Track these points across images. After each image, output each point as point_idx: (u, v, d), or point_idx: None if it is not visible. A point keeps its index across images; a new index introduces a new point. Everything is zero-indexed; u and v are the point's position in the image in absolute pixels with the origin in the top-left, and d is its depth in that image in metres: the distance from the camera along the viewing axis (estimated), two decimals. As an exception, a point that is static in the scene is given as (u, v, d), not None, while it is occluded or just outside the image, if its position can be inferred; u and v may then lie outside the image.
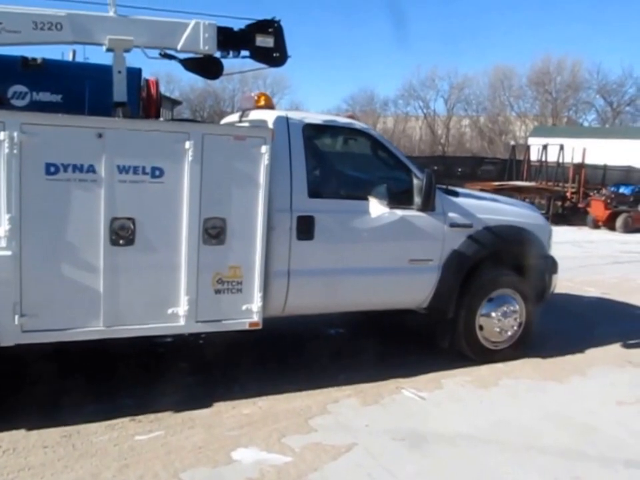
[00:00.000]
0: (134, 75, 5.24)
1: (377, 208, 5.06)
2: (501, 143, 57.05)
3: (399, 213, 5.13)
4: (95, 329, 4.19)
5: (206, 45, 4.48)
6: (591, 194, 23.76)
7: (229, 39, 4.59)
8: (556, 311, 7.17)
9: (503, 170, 27.10)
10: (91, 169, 4.03)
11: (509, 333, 5.67)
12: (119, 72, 4.41)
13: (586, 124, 59.92)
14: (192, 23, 4.44)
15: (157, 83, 5.89)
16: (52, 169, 3.95)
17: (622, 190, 27.25)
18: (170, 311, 4.36)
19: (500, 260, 5.59)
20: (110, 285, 4.16)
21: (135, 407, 4.36)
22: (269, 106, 5.27)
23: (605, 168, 29.71)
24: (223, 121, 6.17)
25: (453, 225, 5.35)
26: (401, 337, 6.35)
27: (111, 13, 4.27)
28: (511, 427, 4.41)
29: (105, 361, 5.08)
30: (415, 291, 5.36)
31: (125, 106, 4.42)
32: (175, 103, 27.20)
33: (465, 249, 5.39)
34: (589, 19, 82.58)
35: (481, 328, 5.57)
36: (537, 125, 56.95)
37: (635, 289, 9.49)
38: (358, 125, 5.34)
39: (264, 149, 4.42)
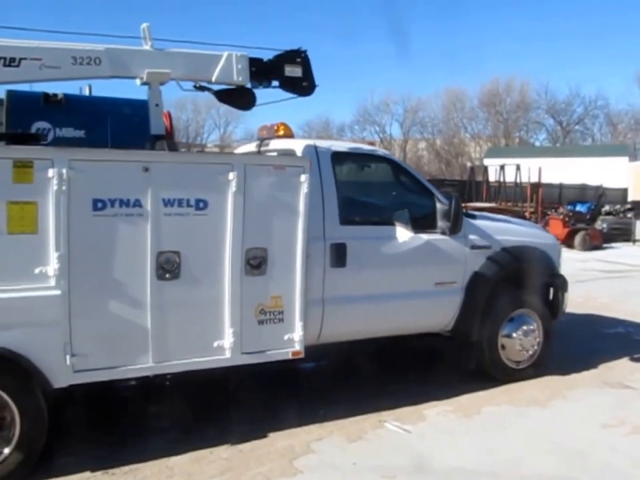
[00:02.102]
0: (140, 106, 5.27)
1: (403, 233, 5.17)
2: (458, 165, 58.39)
3: (424, 237, 5.25)
4: (144, 365, 4.14)
5: (239, 76, 4.55)
6: (549, 213, 24.40)
7: (260, 70, 4.67)
8: None
9: (462, 191, 27.64)
10: (137, 203, 4.02)
11: (530, 352, 5.80)
12: (156, 105, 4.42)
13: (537, 143, 61.88)
14: (225, 54, 4.51)
15: (169, 115, 5.92)
16: (99, 205, 3.92)
17: (578, 208, 28.12)
18: (216, 343, 4.34)
19: (517, 280, 5.74)
20: (157, 320, 4.13)
21: (107, 458, 4.10)
22: (288, 135, 5.34)
23: (560, 186, 30.65)
24: (236, 151, 6.20)
25: (474, 247, 5.49)
26: (377, 366, 6.11)
27: (148, 47, 4.30)
28: (500, 456, 4.30)
29: (71, 408, 4.68)
30: (440, 313, 5.46)
31: (164, 139, 4.43)
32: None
33: (486, 270, 5.53)
34: (534, 39, 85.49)
35: (503, 348, 5.69)
36: (490, 145, 58.50)
37: (601, 308, 9.47)
38: (381, 151, 5.47)
39: (303, 177, 4.48)
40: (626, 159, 42.48)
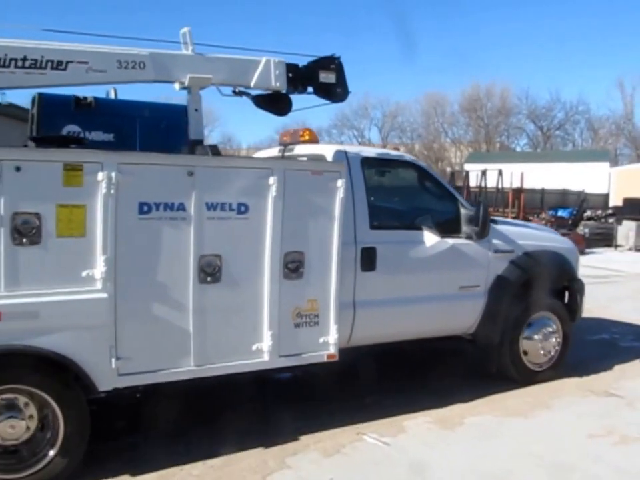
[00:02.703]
0: (182, 111, 5.30)
1: (430, 237, 5.25)
2: (438, 170, 58.82)
3: (450, 241, 5.34)
4: (186, 369, 4.16)
5: (277, 82, 4.60)
6: (531, 218, 24.65)
7: (297, 76, 4.72)
8: None
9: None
10: (181, 207, 4.04)
11: (551, 354, 5.92)
12: (196, 110, 4.45)
13: (518, 149, 62.55)
14: (263, 60, 4.55)
15: None
16: (145, 208, 3.94)
17: (560, 213, 28.49)
18: (254, 347, 4.37)
19: (538, 283, 5.84)
20: (199, 323, 4.15)
21: (71, 477, 3.92)
22: (313, 140, 5.39)
23: (542, 192, 31.03)
24: (257, 155, 6.23)
25: (497, 251, 5.59)
26: (356, 377, 5.85)
27: (189, 52, 4.32)
28: (486, 469, 4.15)
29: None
30: (464, 316, 5.55)
31: (202, 143, 4.46)
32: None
33: (508, 274, 5.63)
34: (515, 44, 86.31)
35: (525, 350, 5.80)
36: (471, 150, 59.01)
37: (585, 314, 8.90)
38: (407, 157, 5.54)
39: (339, 182, 4.53)
40: (607, 164, 43.12)
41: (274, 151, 5.78)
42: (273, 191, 4.29)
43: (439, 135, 64.57)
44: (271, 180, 4.28)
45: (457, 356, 6.38)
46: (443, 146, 64.52)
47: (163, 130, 5.11)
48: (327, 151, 5.10)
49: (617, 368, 6.44)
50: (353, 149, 5.25)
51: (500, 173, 24.71)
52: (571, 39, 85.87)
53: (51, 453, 3.84)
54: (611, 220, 28.44)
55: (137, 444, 4.47)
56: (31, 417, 3.81)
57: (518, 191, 24.55)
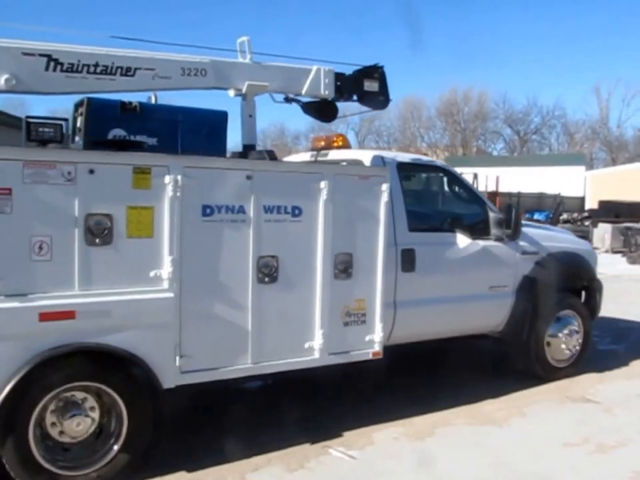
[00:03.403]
0: (222, 117, 5.41)
1: (463, 239, 5.46)
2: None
3: (481, 243, 5.55)
4: (243, 366, 4.29)
5: (326, 90, 4.76)
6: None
7: (343, 84, 4.86)
8: (482, 349, 6.75)
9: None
10: (241, 210, 4.18)
11: (572, 352, 6.16)
12: (250, 116, 4.58)
13: (495, 153, 63.38)
14: (314, 69, 4.70)
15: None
16: (207, 211, 4.06)
17: (537, 216, 28.99)
18: (307, 345, 4.52)
19: (562, 283, 6.08)
20: (256, 322, 4.28)
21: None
22: (346, 146, 5.55)
23: (519, 195, 31.56)
24: (287, 160, 6.36)
25: (524, 252, 5.82)
26: (326, 386, 5.60)
27: (247, 60, 4.45)
28: None
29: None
30: (493, 315, 5.77)
31: (255, 148, 4.59)
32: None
33: (535, 274, 5.87)
34: (492, 48, 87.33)
35: (549, 347, 6.04)
36: (447, 155, 59.61)
37: None
38: (439, 162, 5.75)
39: (384, 187, 4.70)
40: (582, 167, 43.99)
41: (306, 156, 5.91)
42: (324, 195, 4.45)
43: (415, 139, 65.16)
44: (322, 184, 4.43)
45: (429, 363, 6.35)
46: (419, 150, 65.09)
47: (203, 135, 5.20)
48: (364, 156, 5.26)
49: (594, 372, 6.37)
50: (389, 154, 5.43)
51: (475, 176, 25.08)
52: (548, 43, 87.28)
53: (115, 449, 3.92)
54: (586, 222, 29.11)
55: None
56: (96, 413, 3.90)
57: (493, 195, 24.90)
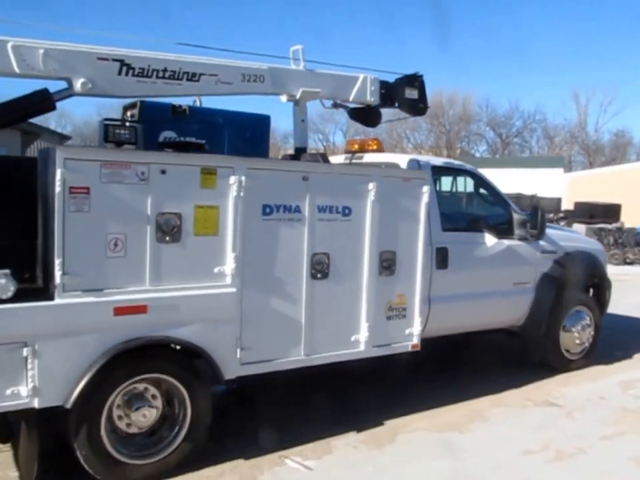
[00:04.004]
0: (265, 120, 5.60)
1: (490, 239, 5.74)
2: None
3: (506, 242, 5.84)
4: (296, 358, 4.50)
5: (372, 97, 4.98)
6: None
7: (387, 91, 5.07)
8: (445, 352, 6.80)
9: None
10: (297, 209, 4.38)
11: (585, 345, 6.48)
12: (302, 120, 4.78)
13: (478, 155, 64.09)
14: (361, 77, 4.92)
15: None
16: (267, 210, 4.26)
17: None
18: (353, 337, 4.74)
19: (576, 280, 6.39)
20: (309, 316, 4.49)
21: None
22: (380, 149, 5.77)
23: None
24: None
25: (544, 251, 6.13)
26: (287, 393, 5.39)
27: (301, 67, 4.65)
28: None
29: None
30: (516, 310, 6.06)
31: (306, 151, 4.79)
32: (63, 137, 26.57)
33: (553, 271, 6.18)
34: (477, 52, 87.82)
35: (564, 340, 6.34)
36: (431, 154, 60.11)
37: None
38: (467, 166, 6.00)
39: (425, 189, 4.94)
40: (561, 170, 44.76)
41: (340, 159, 6.08)
42: (371, 196, 4.67)
43: (401, 140, 65.54)
44: (371, 185, 4.66)
45: (394, 367, 6.20)
46: (405, 151, 65.44)
47: (247, 137, 5.38)
48: (400, 159, 5.50)
49: (558, 374, 6.35)
50: (422, 158, 5.67)
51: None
52: (530, 48, 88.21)
53: (179, 438, 4.11)
54: (562, 223, 29.77)
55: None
56: (159, 404, 4.08)
57: (472, 194, 25.25)
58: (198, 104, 5.81)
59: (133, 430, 3.99)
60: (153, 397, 4.04)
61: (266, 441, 4.51)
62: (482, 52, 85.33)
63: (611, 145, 57.16)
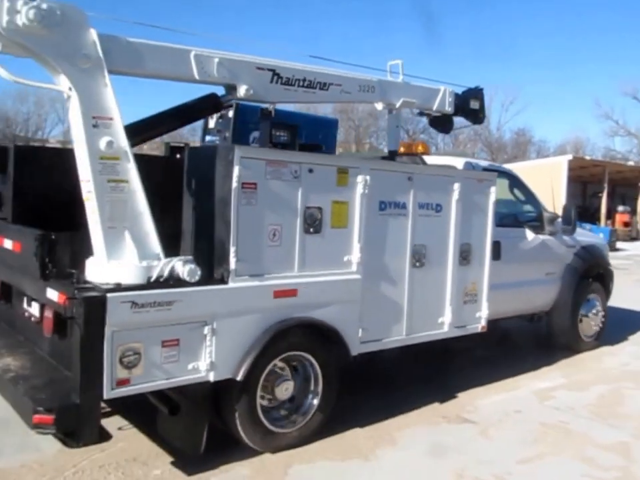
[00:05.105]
0: (334, 123, 6.13)
1: (529, 234, 6.54)
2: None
3: (541, 237, 6.65)
4: (399, 337, 5.07)
5: (449, 107, 5.61)
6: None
7: (458, 102, 5.71)
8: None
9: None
10: (404, 205, 4.96)
11: (597, 328, 7.39)
12: (397, 126, 5.36)
13: (386, 150, 65.77)
14: (442, 89, 5.55)
15: None
16: (382, 206, 4.82)
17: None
18: (440, 319, 5.37)
19: (590, 270, 7.30)
20: (409, 300, 5.08)
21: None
22: (426, 152, 6.42)
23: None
24: None
25: (568, 245, 6.99)
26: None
27: (400, 80, 5.22)
28: None
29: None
30: (548, 296, 6.91)
31: (397, 154, 5.37)
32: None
33: (574, 263, 7.07)
34: (386, 48, 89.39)
35: (581, 324, 7.23)
36: (341, 150, 61.35)
37: None
38: (506, 168, 6.75)
39: (492, 189, 5.65)
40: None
41: None
42: (456, 195, 5.31)
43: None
44: (456, 185, 5.30)
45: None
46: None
47: (320, 139, 5.89)
48: (456, 162, 6.18)
49: (472, 384, 5.99)
50: (472, 161, 6.37)
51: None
52: (437, 44, 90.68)
53: (312, 410, 4.61)
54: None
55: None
56: (298, 379, 4.57)
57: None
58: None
59: (276, 402, 4.44)
60: (292, 371, 4.52)
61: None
62: (391, 46, 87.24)
63: (513, 143, 59.83)
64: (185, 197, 4.35)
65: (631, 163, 43.23)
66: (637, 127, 59.26)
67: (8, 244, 4.41)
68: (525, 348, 7.57)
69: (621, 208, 31.73)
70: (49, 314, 3.92)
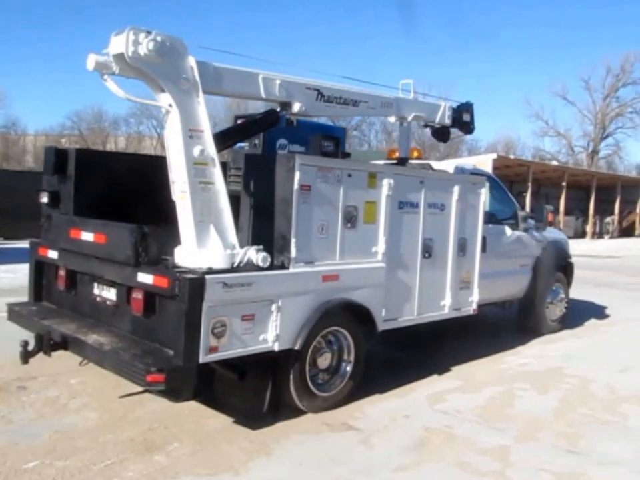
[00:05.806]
0: (342, 132, 6.98)
1: (508, 230, 7.58)
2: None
3: (517, 233, 7.71)
4: (411, 317, 5.98)
5: (448, 120, 6.56)
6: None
7: (455, 115, 6.67)
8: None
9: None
10: (416, 205, 5.88)
11: (560, 313, 8.53)
12: (407, 137, 6.25)
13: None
14: (443, 104, 6.50)
15: None
16: (401, 205, 5.72)
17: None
18: (441, 303, 6.32)
19: (555, 263, 8.43)
20: (420, 286, 6.00)
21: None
22: (420, 157, 7.37)
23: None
24: None
25: (537, 240, 8.08)
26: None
27: (411, 97, 6.13)
28: None
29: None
30: (522, 285, 7.99)
31: (407, 160, 6.29)
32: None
33: (543, 256, 8.16)
34: (319, 44, 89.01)
35: (548, 310, 8.35)
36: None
37: None
38: (486, 171, 7.77)
39: (483, 190, 6.65)
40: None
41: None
42: (455, 195, 6.28)
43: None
44: (456, 188, 6.26)
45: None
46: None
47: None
48: (447, 166, 7.15)
49: (365, 389, 5.66)
50: (461, 165, 7.36)
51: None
52: (369, 40, 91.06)
53: (347, 376, 5.45)
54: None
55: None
56: (335, 350, 5.39)
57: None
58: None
59: (316, 370, 5.27)
60: (329, 344, 5.35)
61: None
62: (325, 43, 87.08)
63: (445, 141, 62.21)
64: (242, 197, 5.13)
65: (554, 163, 45.03)
66: (566, 128, 62.52)
67: (87, 236, 5.08)
68: (428, 349, 7.42)
69: (544, 207, 33.49)
70: (137, 295, 4.62)
